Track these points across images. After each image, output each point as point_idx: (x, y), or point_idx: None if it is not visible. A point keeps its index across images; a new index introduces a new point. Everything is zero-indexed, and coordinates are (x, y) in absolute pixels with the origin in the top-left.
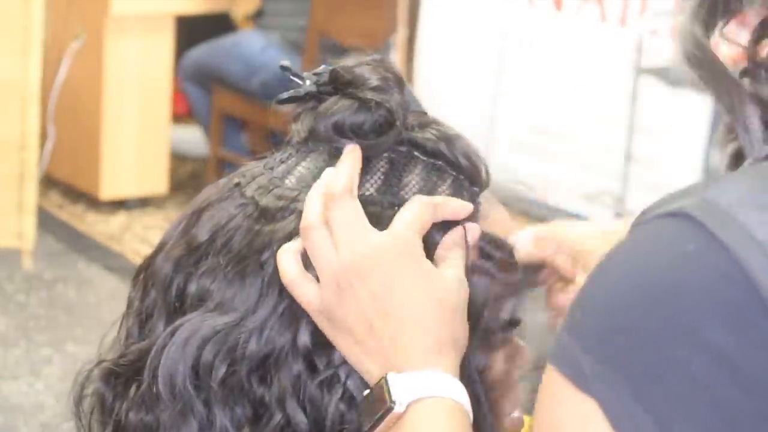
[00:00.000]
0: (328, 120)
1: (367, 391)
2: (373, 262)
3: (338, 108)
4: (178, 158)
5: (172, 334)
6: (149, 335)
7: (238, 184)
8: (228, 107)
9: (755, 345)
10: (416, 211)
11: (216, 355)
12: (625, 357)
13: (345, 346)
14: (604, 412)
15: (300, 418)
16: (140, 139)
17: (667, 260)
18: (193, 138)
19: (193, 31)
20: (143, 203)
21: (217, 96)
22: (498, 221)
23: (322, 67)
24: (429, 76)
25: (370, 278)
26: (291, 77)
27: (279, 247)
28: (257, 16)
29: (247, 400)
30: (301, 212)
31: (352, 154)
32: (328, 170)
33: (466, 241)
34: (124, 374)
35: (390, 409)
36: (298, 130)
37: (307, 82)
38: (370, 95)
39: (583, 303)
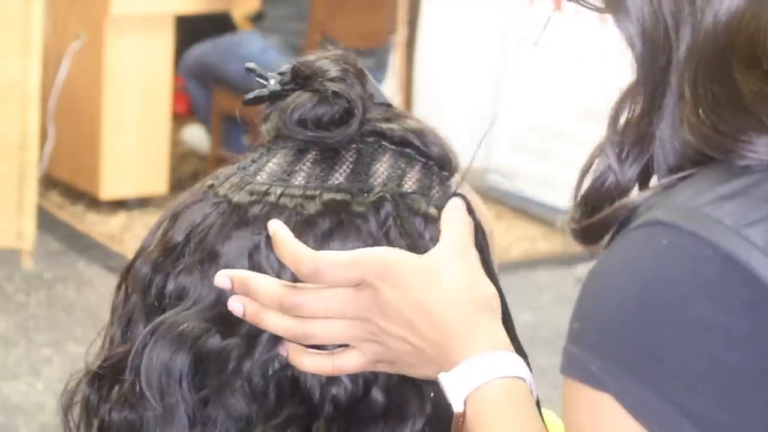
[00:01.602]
0: (291, 116)
1: (432, 394)
2: (395, 306)
3: (299, 102)
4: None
5: (152, 332)
6: (131, 337)
7: (211, 186)
8: (228, 107)
9: (737, 308)
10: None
11: (198, 349)
12: (624, 350)
13: (414, 374)
14: (619, 402)
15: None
16: (140, 139)
17: (645, 258)
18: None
19: (193, 31)
20: (143, 203)
21: (217, 96)
22: (473, 207)
23: (285, 66)
24: (429, 76)
25: (396, 318)
26: (256, 78)
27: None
28: (257, 19)
29: (238, 389)
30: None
31: (280, 239)
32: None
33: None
34: (107, 376)
35: (453, 414)
36: (268, 129)
37: (272, 81)
38: (328, 85)
39: (579, 314)
